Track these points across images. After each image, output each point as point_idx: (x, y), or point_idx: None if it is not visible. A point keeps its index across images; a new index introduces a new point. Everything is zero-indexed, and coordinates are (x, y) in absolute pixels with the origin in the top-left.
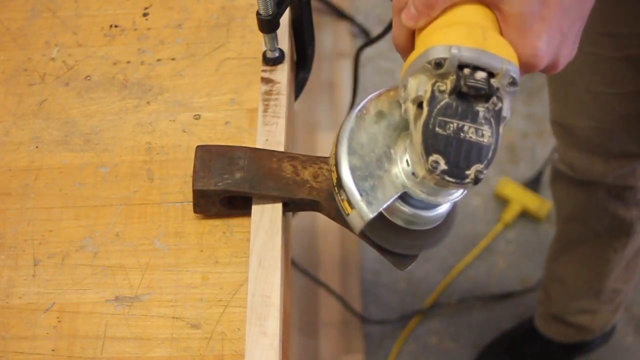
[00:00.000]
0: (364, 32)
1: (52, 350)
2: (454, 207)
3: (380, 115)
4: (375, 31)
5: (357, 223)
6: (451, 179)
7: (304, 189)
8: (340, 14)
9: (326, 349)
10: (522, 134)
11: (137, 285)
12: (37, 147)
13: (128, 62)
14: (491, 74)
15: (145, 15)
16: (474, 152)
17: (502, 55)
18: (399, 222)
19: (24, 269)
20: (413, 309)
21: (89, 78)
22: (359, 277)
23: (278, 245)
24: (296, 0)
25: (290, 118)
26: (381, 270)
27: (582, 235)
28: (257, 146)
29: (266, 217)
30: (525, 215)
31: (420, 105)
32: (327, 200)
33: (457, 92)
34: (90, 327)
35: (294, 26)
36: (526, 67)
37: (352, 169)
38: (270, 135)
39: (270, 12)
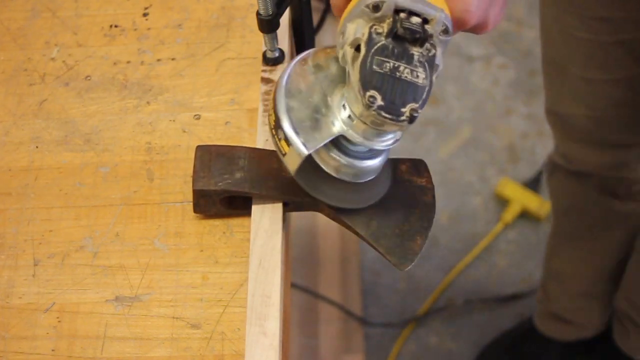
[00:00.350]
0: None
1: (52, 350)
2: (387, 164)
3: (317, 67)
4: None
5: (294, 161)
6: (387, 115)
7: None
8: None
9: (326, 349)
10: (522, 134)
11: (137, 285)
12: (37, 147)
13: (128, 62)
14: (425, 21)
15: (145, 15)
16: (409, 91)
17: (436, 4)
18: (333, 172)
19: (24, 269)
20: (413, 309)
21: (89, 78)
22: (359, 277)
23: (278, 245)
24: (296, 0)
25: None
26: (381, 270)
27: (578, 230)
28: (257, 146)
29: (266, 217)
30: (525, 215)
31: (357, 49)
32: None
33: (394, 35)
34: (90, 327)
35: (294, 26)
36: (458, 22)
37: (289, 109)
38: (270, 135)
39: (270, 12)
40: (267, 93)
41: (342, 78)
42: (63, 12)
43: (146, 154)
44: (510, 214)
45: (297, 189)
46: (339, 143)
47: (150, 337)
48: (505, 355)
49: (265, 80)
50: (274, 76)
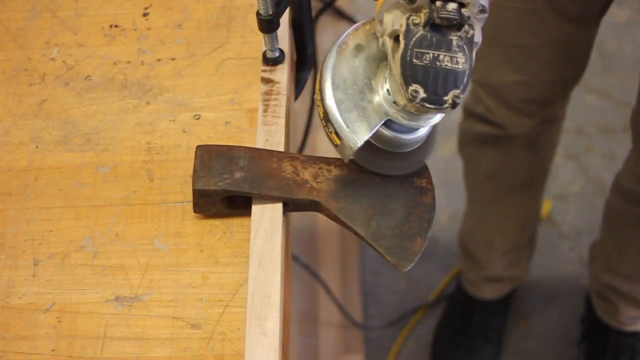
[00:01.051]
0: None
1: (52, 350)
2: (434, 128)
3: (358, 48)
4: None
5: (347, 152)
6: (431, 106)
7: (304, 189)
8: (340, 14)
9: (326, 349)
10: None
11: (137, 285)
12: (37, 147)
13: (128, 62)
14: (462, 4)
15: (145, 15)
16: (450, 79)
17: None
18: (383, 146)
19: (24, 269)
20: (413, 308)
21: (89, 78)
22: (359, 277)
23: (278, 245)
24: (296, 0)
25: (290, 118)
26: (381, 270)
27: (502, 191)
28: (257, 146)
29: (266, 217)
30: None
31: (397, 39)
32: (327, 200)
33: (431, 24)
34: (90, 327)
35: (294, 26)
36: None
37: (338, 102)
38: (270, 135)
39: (270, 12)
40: (267, 93)
41: (384, 55)
42: (63, 12)
43: (146, 154)
44: None
45: (297, 189)
46: (387, 120)
47: (150, 337)
48: (457, 336)
49: (265, 80)
50: (274, 76)
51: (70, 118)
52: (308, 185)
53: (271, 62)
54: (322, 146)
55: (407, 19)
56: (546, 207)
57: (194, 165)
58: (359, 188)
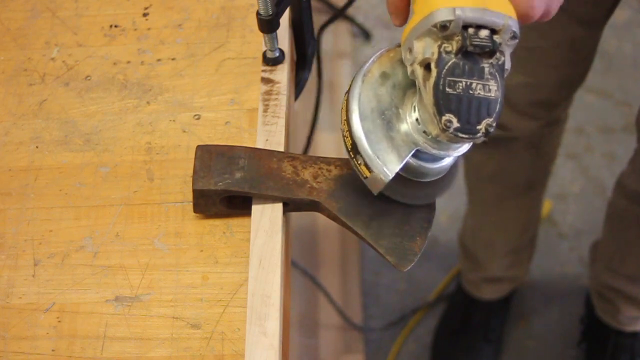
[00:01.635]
0: (364, 32)
1: (52, 350)
2: (458, 158)
3: (384, 76)
4: (375, 31)
5: (377, 185)
6: (464, 135)
7: (304, 189)
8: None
9: (326, 349)
10: None
11: (137, 285)
12: (37, 147)
13: (128, 62)
14: (494, 31)
15: (145, 15)
16: (483, 108)
17: (502, 11)
18: (408, 175)
19: (24, 269)
20: (413, 308)
21: (89, 78)
22: (359, 277)
23: (278, 245)
24: (296, 0)
25: (290, 118)
26: (381, 270)
27: (503, 193)
28: (257, 146)
29: (266, 217)
30: None
31: (427, 67)
32: (327, 200)
33: (463, 52)
34: (90, 327)
35: (294, 26)
36: (523, 18)
37: (367, 133)
38: (270, 135)
39: (270, 12)
40: (267, 93)
41: (410, 83)
42: (63, 12)
43: (146, 154)
44: None
45: (297, 189)
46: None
47: (150, 337)
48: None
49: (265, 80)
50: (274, 76)
51: (70, 118)
52: (308, 185)
53: (271, 62)
54: (322, 146)
55: (439, 46)
56: (546, 207)
57: (194, 165)
58: (359, 188)
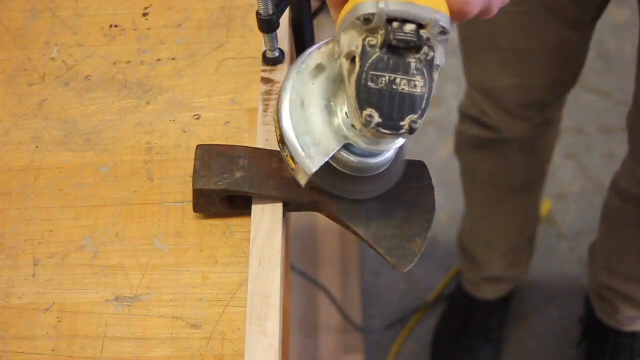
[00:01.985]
0: None
1: (52, 350)
2: (401, 151)
3: (319, 68)
4: None
5: (302, 178)
6: (386, 131)
7: (304, 189)
8: None
9: (326, 349)
10: None
11: (137, 285)
12: (37, 147)
13: (128, 62)
14: (421, 26)
15: (145, 15)
16: (407, 104)
17: (431, 5)
18: (347, 171)
19: (24, 269)
20: (413, 308)
21: (89, 78)
22: (359, 277)
23: (278, 245)
24: (296, 0)
25: None
26: (381, 270)
27: (499, 194)
28: (257, 146)
29: (266, 217)
30: None
31: (353, 61)
32: (327, 200)
33: (388, 46)
34: (90, 327)
35: (294, 26)
36: (459, 15)
37: (295, 125)
38: (270, 135)
39: (270, 12)
40: (267, 93)
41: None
42: (63, 12)
43: (146, 154)
44: None
45: (297, 189)
46: (349, 145)
47: (150, 337)
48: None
49: (265, 80)
50: (274, 76)
51: (70, 118)
52: (308, 185)
53: (271, 62)
54: None
55: (364, 40)
56: (546, 207)
57: (194, 165)
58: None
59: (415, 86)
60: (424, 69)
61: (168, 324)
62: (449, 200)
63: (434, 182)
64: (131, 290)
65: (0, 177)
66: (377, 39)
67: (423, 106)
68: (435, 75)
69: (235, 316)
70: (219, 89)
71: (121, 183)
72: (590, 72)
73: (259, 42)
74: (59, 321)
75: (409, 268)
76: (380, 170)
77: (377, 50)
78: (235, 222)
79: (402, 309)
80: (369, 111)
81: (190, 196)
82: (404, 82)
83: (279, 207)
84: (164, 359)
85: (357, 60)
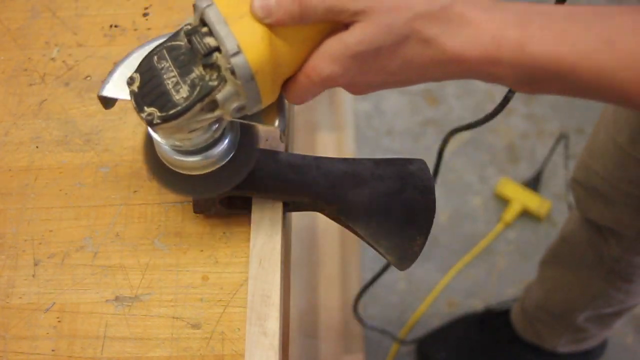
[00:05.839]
0: None
1: (52, 350)
2: (239, 160)
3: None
4: None
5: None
6: (133, 101)
7: (304, 189)
8: None
9: (326, 349)
10: (522, 134)
11: (137, 285)
12: (37, 147)
13: None
14: (217, 48)
15: (145, 15)
16: (161, 97)
17: (240, 41)
18: (177, 169)
19: (24, 269)
20: (413, 308)
21: (89, 78)
22: (359, 277)
23: (278, 245)
24: None
25: (290, 118)
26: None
27: (568, 259)
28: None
29: (266, 217)
30: (525, 215)
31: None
32: (327, 200)
33: (190, 42)
34: (90, 327)
35: None
36: (305, 75)
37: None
38: (270, 135)
39: None
40: None
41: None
42: (63, 12)
43: None
44: (510, 214)
45: (297, 189)
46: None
47: (150, 337)
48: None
49: None
50: None
51: (70, 118)
52: (308, 185)
53: None
54: (322, 146)
55: (189, 22)
56: (546, 207)
57: None
58: (359, 187)
59: (178, 91)
60: (198, 88)
61: (168, 324)
62: (449, 200)
63: (433, 181)
64: (131, 290)
65: (0, 177)
66: (190, 30)
67: (170, 112)
68: (212, 115)
69: (235, 316)
70: None
71: (121, 183)
72: None
73: None
74: (59, 321)
75: (409, 267)
76: (213, 169)
77: (184, 38)
78: (235, 222)
79: (402, 308)
80: (135, 74)
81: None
82: (174, 80)
83: (279, 207)
84: (164, 359)
85: (175, 32)
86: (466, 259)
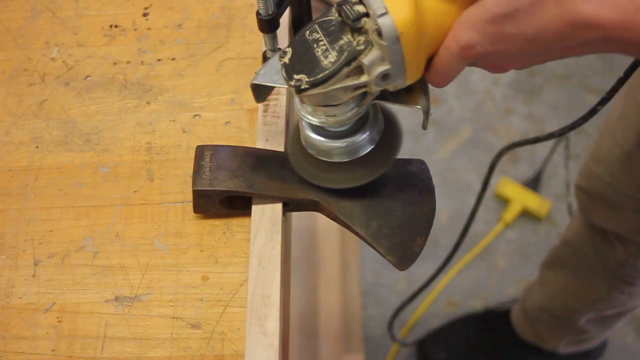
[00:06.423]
0: None
1: (52, 350)
2: (390, 140)
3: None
4: None
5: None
6: (284, 72)
7: (304, 189)
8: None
9: (326, 349)
10: (522, 134)
11: (137, 285)
12: (37, 147)
13: (128, 62)
14: (366, 14)
15: (145, 15)
16: (310, 64)
17: (388, 5)
18: (317, 155)
19: (24, 269)
20: (413, 308)
21: (89, 78)
22: (359, 277)
23: (278, 245)
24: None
25: (290, 118)
26: (381, 270)
27: (571, 263)
28: (257, 146)
29: (266, 217)
30: (525, 215)
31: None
32: (327, 200)
33: (339, 13)
34: (90, 327)
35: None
36: (444, 48)
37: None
38: (270, 135)
39: (270, 12)
40: None
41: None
42: (63, 12)
43: (146, 154)
44: (510, 214)
45: (297, 188)
46: (311, 125)
47: (150, 337)
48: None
49: None
50: None
51: (70, 118)
52: (308, 185)
53: None
54: None
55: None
56: (546, 207)
57: (194, 165)
58: (359, 188)
59: (327, 57)
60: (346, 53)
61: (168, 324)
62: (449, 200)
63: (434, 181)
64: (131, 290)
65: (0, 177)
66: (341, 1)
67: (318, 77)
68: (350, 67)
69: (235, 316)
70: (219, 89)
71: (121, 183)
72: (590, 72)
73: (259, 42)
74: (59, 321)
75: (409, 267)
76: (356, 157)
77: (335, 12)
78: (235, 222)
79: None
80: (287, 48)
81: (190, 196)
82: (324, 48)
83: (278, 207)
84: (164, 359)
85: (330, 9)
86: (466, 259)
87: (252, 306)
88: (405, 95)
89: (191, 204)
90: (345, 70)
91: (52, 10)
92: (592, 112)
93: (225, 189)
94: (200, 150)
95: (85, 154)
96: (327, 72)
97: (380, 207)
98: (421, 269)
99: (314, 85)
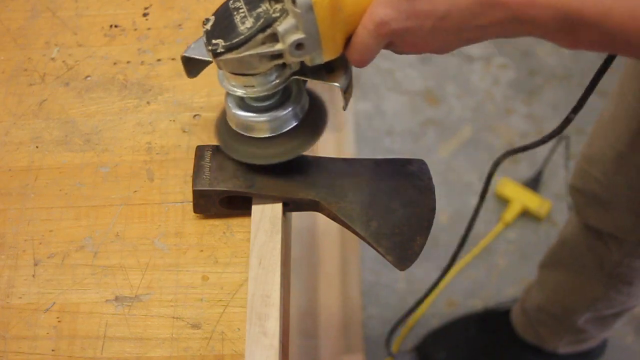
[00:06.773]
0: None
1: (52, 350)
2: (310, 123)
3: None
4: None
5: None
6: (204, 38)
7: (304, 189)
8: None
9: (326, 349)
10: (522, 134)
11: (137, 285)
12: (37, 147)
13: (128, 62)
14: None
15: (145, 15)
16: (227, 30)
17: None
18: (236, 128)
19: (24, 269)
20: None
21: (89, 78)
22: (359, 277)
23: (278, 245)
24: None
25: None
26: (381, 270)
27: (568, 263)
28: None
29: (266, 217)
30: (525, 215)
31: None
32: (327, 200)
33: None
34: (90, 327)
35: None
36: (362, 26)
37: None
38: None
39: None
40: None
41: None
42: (63, 12)
43: (146, 154)
44: (510, 214)
45: (297, 188)
46: (239, 100)
47: (150, 337)
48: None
49: None
50: None
51: (70, 118)
52: (308, 185)
53: None
54: (322, 146)
55: None
56: (546, 207)
57: (194, 165)
58: (359, 187)
59: (244, 23)
60: (261, 20)
61: (168, 324)
62: (449, 200)
63: (434, 181)
64: (131, 290)
65: (0, 177)
66: None
67: (233, 41)
68: (272, 47)
69: (235, 316)
70: (219, 89)
71: (121, 183)
72: (591, 72)
73: None
74: (59, 321)
75: (409, 267)
76: (279, 132)
77: None
78: (235, 222)
79: (402, 309)
80: (211, 16)
81: (190, 196)
82: (242, 15)
83: (278, 207)
84: (164, 359)
85: None
86: (466, 259)
87: (252, 306)
88: (326, 73)
89: (191, 204)
90: (260, 36)
91: (52, 10)
92: (566, 121)
93: (225, 189)
94: (200, 150)
95: (85, 154)
96: (242, 37)
97: (380, 207)
98: (421, 269)
99: (229, 49)
